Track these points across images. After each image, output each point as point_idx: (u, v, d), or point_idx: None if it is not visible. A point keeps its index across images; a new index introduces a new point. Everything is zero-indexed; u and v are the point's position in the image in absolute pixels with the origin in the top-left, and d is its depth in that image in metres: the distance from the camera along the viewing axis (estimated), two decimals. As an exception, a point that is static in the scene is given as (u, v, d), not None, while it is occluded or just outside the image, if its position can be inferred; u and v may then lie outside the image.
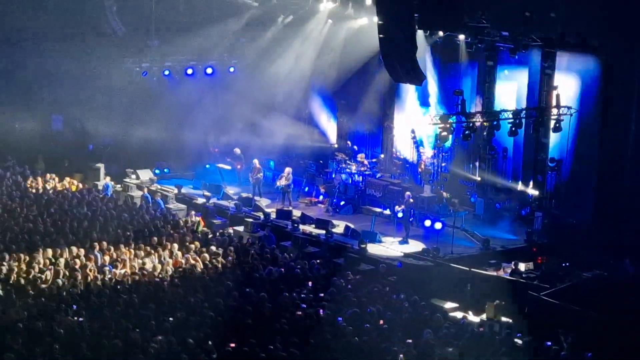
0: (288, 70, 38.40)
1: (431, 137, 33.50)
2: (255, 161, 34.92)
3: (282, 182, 33.20)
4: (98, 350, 18.50)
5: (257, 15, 37.34)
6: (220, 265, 24.71)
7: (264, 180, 35.71)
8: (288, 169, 33.52)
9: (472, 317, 23.63)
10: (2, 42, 36.24)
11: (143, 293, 22.09)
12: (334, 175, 35.12)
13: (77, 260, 23.97)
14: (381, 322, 21.31)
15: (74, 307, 20.86)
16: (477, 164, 33.13)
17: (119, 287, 22.50)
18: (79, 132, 39.13)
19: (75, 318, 20.21)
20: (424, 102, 34.78)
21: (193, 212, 31.36)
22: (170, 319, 20.37)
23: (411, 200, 30.27)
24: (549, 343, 21.07)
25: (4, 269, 22.83)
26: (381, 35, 25.84)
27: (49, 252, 24.40)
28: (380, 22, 25.96)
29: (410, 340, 20.10)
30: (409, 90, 35.01)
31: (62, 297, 21.39)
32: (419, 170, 34.02)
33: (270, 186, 35.14)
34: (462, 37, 30.64)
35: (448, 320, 22.19)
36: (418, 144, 34.62)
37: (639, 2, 27.28)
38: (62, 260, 23.82)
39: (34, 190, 31.60)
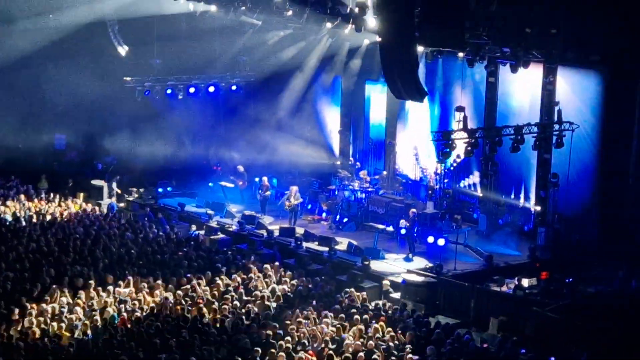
0: (290, 88, 38.52)
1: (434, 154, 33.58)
2: (265, 179, 35.00)
3: (291, 202, 33.14)
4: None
5: (259, 33, 37.39)
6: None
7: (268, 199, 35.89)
8: (294, 188, 33.47)
9: (476, 334, 23.61)
10: (5, 60, 36.36)
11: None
12: (336, 193, 35.13)
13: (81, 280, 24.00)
14: (386, 338, 21.29)
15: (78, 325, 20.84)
16: (479, 180, 33.20)
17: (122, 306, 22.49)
18: (83, 152, 39.26)
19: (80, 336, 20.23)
20: (427, 119, 34.91)
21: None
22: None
23: (416, 218, 30.27)
24: (552, 359, 21.06)
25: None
26: (382, 52, 25.87)
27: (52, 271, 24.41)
28: (381, 39, 26.03)
29: (416, 357, 20.11)
30: (411, 107, 35.12)
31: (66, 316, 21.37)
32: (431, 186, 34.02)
33: (274, 204, 35.19)
34: (461, 54, 30.66)
35: (451, 336, 22.15)
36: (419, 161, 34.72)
37: (640, 17, 27.36)
38: (65, 279, 23.82)
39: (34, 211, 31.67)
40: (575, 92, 29.98)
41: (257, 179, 36.85)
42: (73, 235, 28.33)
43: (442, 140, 27.84)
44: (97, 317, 21.39)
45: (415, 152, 35.15)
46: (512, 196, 32.47)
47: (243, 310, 22.86)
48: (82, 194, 35.10)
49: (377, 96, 37.29)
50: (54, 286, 23.29)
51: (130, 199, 35.87)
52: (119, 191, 35.93)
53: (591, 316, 23.25)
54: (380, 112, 37.32)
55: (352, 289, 25.36)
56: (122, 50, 37.24)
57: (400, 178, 35.92)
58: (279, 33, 37.11)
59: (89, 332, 20.81)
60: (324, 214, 34.24)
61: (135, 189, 36.52)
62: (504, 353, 21.31)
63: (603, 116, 29.13)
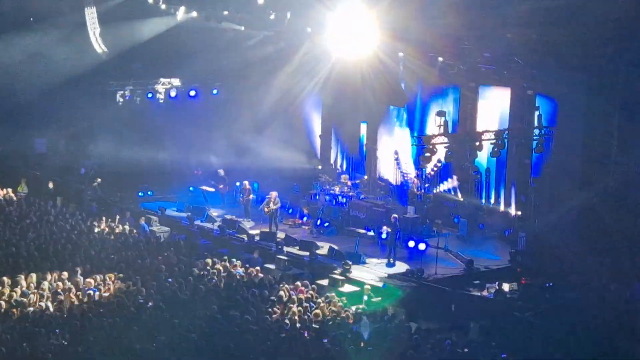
0: (272, 93, 38.54)
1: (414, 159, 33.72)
2: (246, 182, 34.97)
3: (270, 207, 33.08)
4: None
5: (241, 37, 37.35)
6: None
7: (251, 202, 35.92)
8: (274, 193, 33.32)
9: (456, 338, 23.62)
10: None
11: (127, 316, 22.04)
12: (317, 197, 35.12)
13: (60, 284, 23.91)
14: (362, 344, 21.29)
15: (57, 330, 20.76)
16: (459, 184, 33.31)
17: (102, 310, 22.41)
18: (64, 155, 39.13)
19: (59, 341, 20.14)
20: (407, 124, 34.99)
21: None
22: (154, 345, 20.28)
23: (397, 223, 30.30)
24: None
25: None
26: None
27: (33, 276, 24.33)
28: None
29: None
30: (393, 112, 35.19)
31: (46, 321, 21.28)
32: (413, 191, 34.07)
33: (254, 208, 35.16)
34: (440, 58, 30.68)
35: (432, 341, 22.16)
36: (401, 166, 34.79)
37: (621, 21, 27.43)
38: (45, 284, 23.75)
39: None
40: (555, 97, 30.07)
41: (237, 183, 36.83)
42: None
43: (423, 145, 27.95)
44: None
45: (396, 157, 35.18)
46: (493, 201, 32.57)
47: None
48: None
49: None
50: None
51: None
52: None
53: (570, 321, 23.31)
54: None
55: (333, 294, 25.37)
56: (102, 51, 37.08)
57: (382, 182, 35.95)
58: (260, 37, 37.06)
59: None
60: (305, 218, 34.21)
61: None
62: (484, 358, 21.33)
63: (583, 122, 29.20)
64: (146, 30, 37.33)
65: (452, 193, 33.81)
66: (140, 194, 36.94)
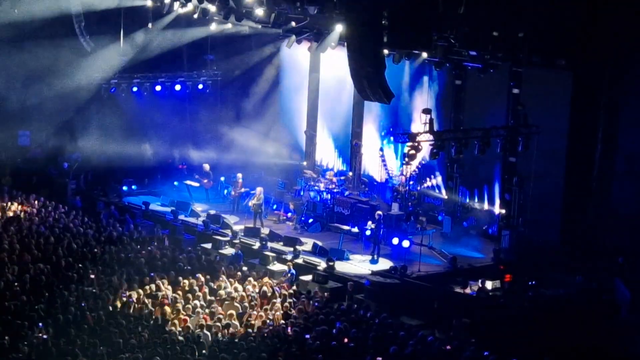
0: (257, 87, 38.52)
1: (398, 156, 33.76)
2: (239, 175, 35.02)
3: (253, 202, 33.04)
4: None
5: (226, 32, 37.24)
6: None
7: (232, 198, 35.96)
8: (260, 189, 33.30)
9: (440, 335, 23.66)
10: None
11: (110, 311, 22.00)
12: (302, 193, 35.10)
13: (43, 277, 23.83)
14: (345, 340, 21.27)
15: (40, 324, 20.68)
16: (443, 182, 33.38)
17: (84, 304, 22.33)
18: (48, 148, 38.96)
19: (41, 335, 20.05)
20: (391, 121, 35.06)
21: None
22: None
23: (381, 220, 30.28)
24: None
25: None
26: (349, 53, 25.87)
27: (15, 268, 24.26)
28: (348, 41, 26.03)
29: (379, 358, 20.13)
30: (378, 109, 35.19)
31: (28, 314, 21.19)
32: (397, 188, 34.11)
33: (238, 203, 35.13)
34: (425, 54, 30.63)
35: (415, 337, 22.17)
36: (386, 163, 34.81)
37: (607, 22, 27.54)
38: (27, 277, 23.66)
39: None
40: (540, 95, 30.12)
41: (222, 178, 36.82)
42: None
43: (408, 142, 27.94)
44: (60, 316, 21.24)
45: (381, 154, 35.19)
46: (477, 199, 32.62)
47: (207, 311, 22.79)
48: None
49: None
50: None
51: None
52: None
53: (550, 319, 23.40)
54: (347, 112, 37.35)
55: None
56: (88, 46, 36.92)
57: (366, 179, 35.96)
58: (246, 30, 36.98)
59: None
60: (289, 214, 34.16)
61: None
62: (467, 354, 21.35)
63: (568, 120, 29.29)
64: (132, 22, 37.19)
65: (436, 190, 33.86)
66: (124, 188, 36.84)
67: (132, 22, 37.21)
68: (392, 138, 34.12)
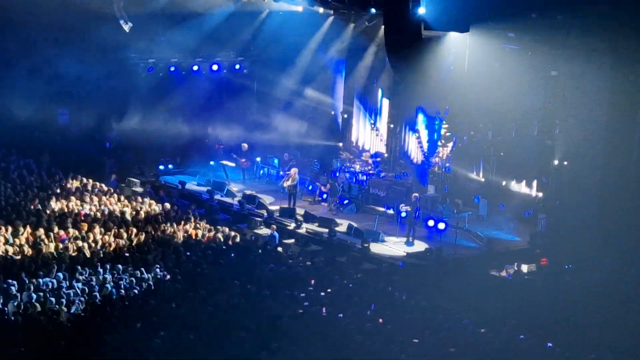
0: (294, 68, 38.45)
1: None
2: (286, 155, 35.38)
3: (288, 183, 33.09)
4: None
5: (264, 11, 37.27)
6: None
7: (268, 178, 35.99)
8: (294, 169, 33.36)
9: (475, 318, 23.59)
10: (7, 33, 36.20)
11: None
12: (338, 174, 35.09)
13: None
14: (380, 320, 21.28)
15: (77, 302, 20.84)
16: (481, 164, 33.20)
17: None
18: (86, 127, 39.16)
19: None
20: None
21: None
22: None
23: (417, 202, 30.23)
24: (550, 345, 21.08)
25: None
26: (387, 40, 25.83)
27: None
28: (386, 27, 25.95)
29: (416, 340, 20.15)
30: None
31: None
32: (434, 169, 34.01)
33: (274, 184, 35.20)
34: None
35: (450, 321, 22.15)
36: (422, 144, 34.69)
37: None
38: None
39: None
40: (578, 77, 29.84)
41: (258, 159, 36.91)
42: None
43: (445, 124, 27.89)
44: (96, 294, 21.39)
45: (417, 135, 35.06)
46: (514, 181, 32.43)
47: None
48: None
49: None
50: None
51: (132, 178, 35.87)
52: None
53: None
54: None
55: None
56: (126, 26, 37.01)
57: (402, 161, 35.87)
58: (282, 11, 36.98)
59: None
60: (325, 195, 34.15)
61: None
62: (502, 338, 21.30)
63: (607, 103, 29.00)
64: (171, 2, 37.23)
65: (474, 173, 33.69)
66: (161, 167, 37.02)
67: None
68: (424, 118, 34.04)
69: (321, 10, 36.14)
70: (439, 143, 33.08)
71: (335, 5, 33.70)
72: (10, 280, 21.30)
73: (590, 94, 29.55)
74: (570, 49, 28.92)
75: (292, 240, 29.38)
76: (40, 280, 21.66)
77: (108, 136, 38.94)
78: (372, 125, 37.44)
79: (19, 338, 18.37)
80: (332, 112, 39.57)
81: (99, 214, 27.87)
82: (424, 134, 34.78)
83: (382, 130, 37.24)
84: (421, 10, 26.37)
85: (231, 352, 18.45)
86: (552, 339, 21.33)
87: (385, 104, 37.19)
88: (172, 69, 38.24)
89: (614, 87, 28.64)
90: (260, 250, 26.45)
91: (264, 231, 30.01)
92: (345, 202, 33.20)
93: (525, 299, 24.46)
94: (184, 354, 18.07)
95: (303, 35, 37.50)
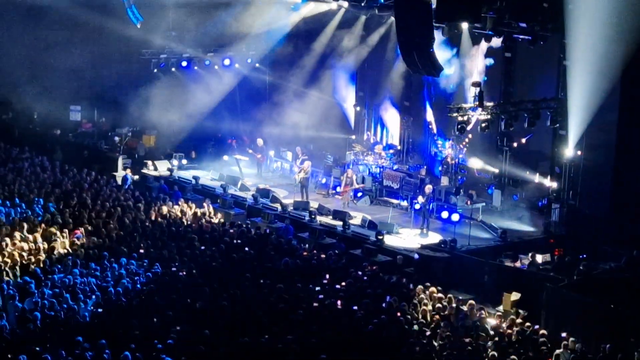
0: (307, 61, 38.44)
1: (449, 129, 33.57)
2: (298, 149, 35.41)
3: (300, 175, 33.10)
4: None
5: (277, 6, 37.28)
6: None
7: (282, 172, 35.99)
8: (308, 163, 33.42)
9: (490, 310, 23.60)
10: (22, 30, 36.36)
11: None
12: (351, 167, 35.08)
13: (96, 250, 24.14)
14: (398, 314, 21.32)
15: (93, 297, 20.92)
16: (494, 155, 33.14)
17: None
18: (98, 123, 39.29)
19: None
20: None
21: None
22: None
23: (431, 194, 30.20)
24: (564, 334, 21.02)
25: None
26: (399, 28, 25.78)
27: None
28: (397, 15, 25.92)
29: (428, 332, 20.17)
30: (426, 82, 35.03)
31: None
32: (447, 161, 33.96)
33: (288, 178, 35.24)
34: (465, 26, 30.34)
35: (465, 312, 22.16)
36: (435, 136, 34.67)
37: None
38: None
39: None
40: (591, 67, 29.73)
41: (271, 153, 36.98)
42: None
43: (458, 116, 27.82)
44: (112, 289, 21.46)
45: (430, 127, 35.04)
46: (527, 172, 32.35)
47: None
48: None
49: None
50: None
51: (145, 171, 35.95)
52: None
53: (603, 293, 23.16)
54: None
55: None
56: (137, 21, 37.05)
57: (415, 153, 35.85)
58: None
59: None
60: (338, 188, 34.14)
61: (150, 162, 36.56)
62: (518, 329, 21.30)
63: (620, 93, 28.88)
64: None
65: (487, 164, 33.61)
66: (174, 162, 37.07)
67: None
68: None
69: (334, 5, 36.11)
70: (452, 134, 32.99)
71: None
72: (27, 278, 21.46)
73: (601, 82, 29.42)
74: (582, 37, 28.80)
75: (306, 233, 29.39)
76: (55, 277, 21.80)
77: (119, 132, 39.04)
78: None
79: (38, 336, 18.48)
80: (345, 105, 39.55)
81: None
82: (436, 125, 34.75)
83: (393, 123, 37.21)
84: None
85: (246, 345, 18.52)
86: (565, 329, 21.29)
87: (396, 96, 37.15)
88: (184, 64, 38.27)
89: (625, 74, 28.48)
90: (274, 244, 26.47)
91: (277, 225, 30.04)
92: (359, 194, 33.20)
93: (538, 289, 24.31)
94: (199, 348, 18.12)
95: (315, 28, 37.48)
